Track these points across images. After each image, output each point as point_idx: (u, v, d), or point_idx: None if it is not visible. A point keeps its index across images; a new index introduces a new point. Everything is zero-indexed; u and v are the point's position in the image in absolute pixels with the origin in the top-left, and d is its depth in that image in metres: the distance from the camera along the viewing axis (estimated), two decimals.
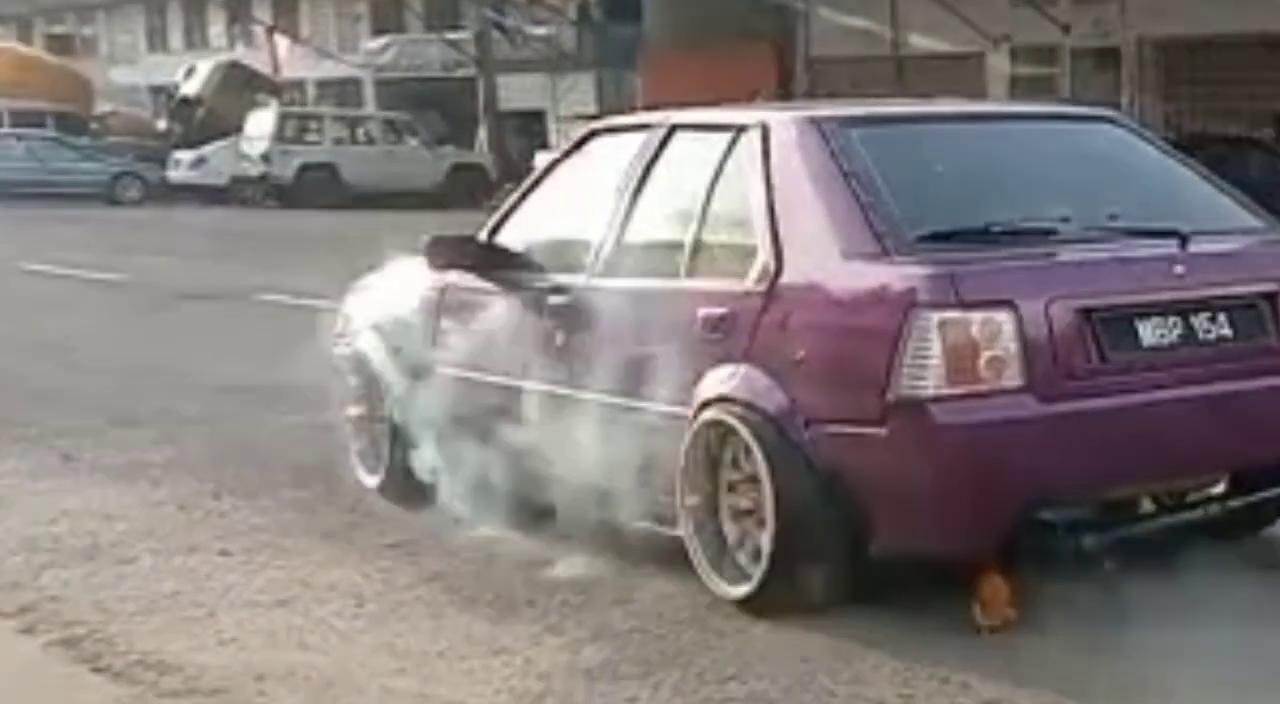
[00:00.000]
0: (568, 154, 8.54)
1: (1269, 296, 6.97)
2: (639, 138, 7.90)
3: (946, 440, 6.27)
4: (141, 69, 63.45)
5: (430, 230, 8.71)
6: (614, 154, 8.01)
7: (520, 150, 44.39)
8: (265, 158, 42.78)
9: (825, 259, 6.74)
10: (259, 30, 56.76)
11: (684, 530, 6.95)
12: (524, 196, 8.53)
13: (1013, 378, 6.35)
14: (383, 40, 55.97)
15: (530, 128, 48.00)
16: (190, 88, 49.43)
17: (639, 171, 7.72)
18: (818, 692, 5.66)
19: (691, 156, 7.54)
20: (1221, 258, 7.09)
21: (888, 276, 6.50)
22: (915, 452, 6.32)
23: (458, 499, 8.02)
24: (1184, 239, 6.86)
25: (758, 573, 6.62)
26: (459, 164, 44.99)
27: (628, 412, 7.20)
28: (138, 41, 67.55)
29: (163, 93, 55.15)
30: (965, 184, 7.13)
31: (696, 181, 7.38)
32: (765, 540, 6.60)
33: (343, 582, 7.21)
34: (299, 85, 56.31)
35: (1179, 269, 6.77)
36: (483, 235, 8.47)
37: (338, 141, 44.41)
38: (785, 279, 6.78)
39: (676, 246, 7.33)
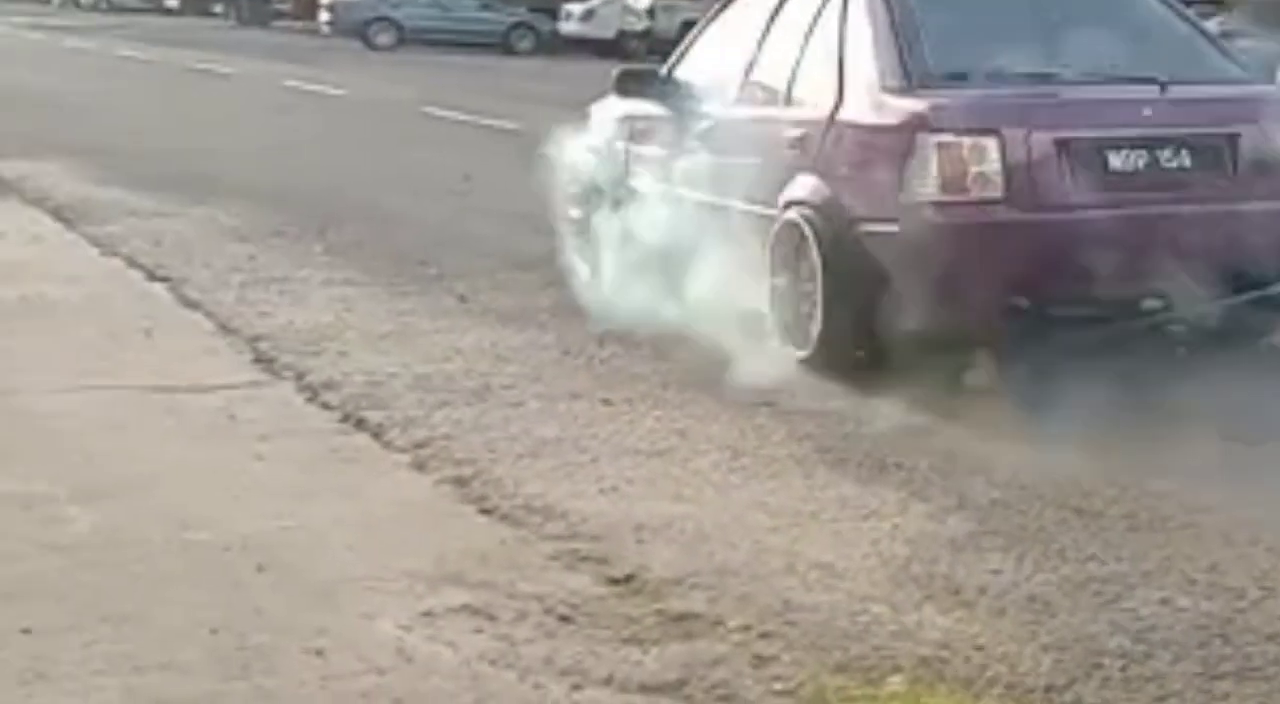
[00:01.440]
0: (719, 12, 10.26)
1: (1230, 137, 8.35)
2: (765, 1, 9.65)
3: (938, 236, 7.87)
4: None
5: None
6: (749, 12, 9.78)
7: None
8: (650, 13, 42.82)
9: (869, 93, 8.47)
10: None
11: (768, 306, 8.68)
12: (691, 44, 10.37)
13: (994, 191, 7.92)
14: None
15: None
16: None
17: (762, 26, 9.50)
18: (1177, 578, 5.53)
19: (798, 15, 9.26)
20: (1191, 103, 8.46)
21: (904, 106, 8.22)
22: (916, 244, 7.91)
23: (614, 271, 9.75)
24: (1163, 86, 8.32)
25: (814, 341, 8.32)
26: None
27: (745, 215, 8.96)
28: None
29: None
30: (991, 37, 8.58)
31: (798, 34, 9.13)
32: (819, 314, 8.32)
33: (719, 435, 7.23)
34: None
35: (1147, 111, 8.24)
36: (663, 71, 10.31)
37: None
38: (843, 108, 8.52)
39: (781, 83, 9.15)
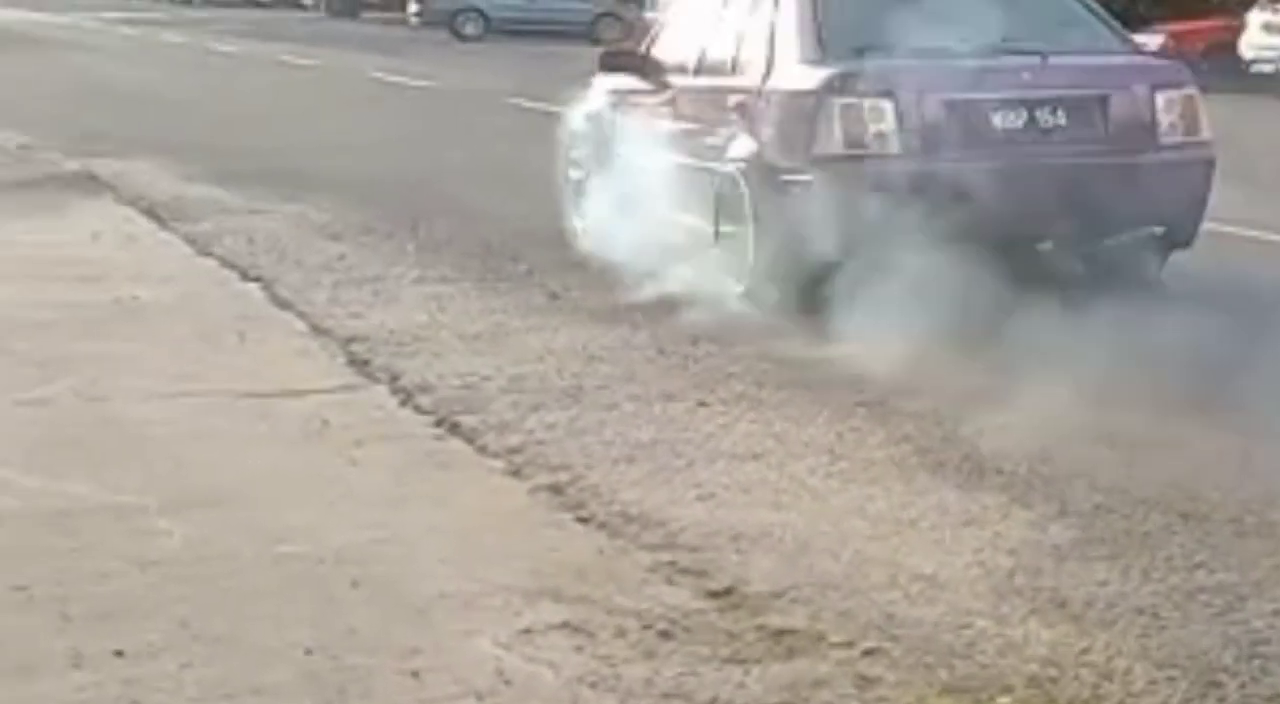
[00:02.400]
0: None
1: (1101, 99, 9.72)
2: None
3: (841, 184, 9.11)
4: None
5: None
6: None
7: None
8: None
9: (791, 64, 9.85)
10: None
11: (717, 247, 10.11)
12: (663, 26, 11.92)
13: (891, 146, 9.30)
14: None
15: None
16: None
17: (717, 9, 10.94)
18: None
19: (741, 2, 10.65)
20: (1066, 70, 9.82)
21: (816, 74, 9.61)
22: (825, 191, 9.14)
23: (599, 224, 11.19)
24: (1043, 56, 9.68)
25: (748, 275, 9.72)
26: None
27: (699, 171, 10.33)
28: None
29: None
30: (900, 20, 9.41)
31: (742, 17, 10.55)
32: (750, 253, 9.71)
33: (816, 438, 7.05)
34: None
35: (1026, 76, 9.58)
36: (641, 50, 11.75)
37: None
38: (770, 78, 9.91)
39: (727, 59, 10.54)
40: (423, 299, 9.92)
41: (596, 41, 42.79)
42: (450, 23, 45.03)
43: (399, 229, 12.44)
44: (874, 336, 8.25)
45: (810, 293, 9.18)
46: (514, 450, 6.84)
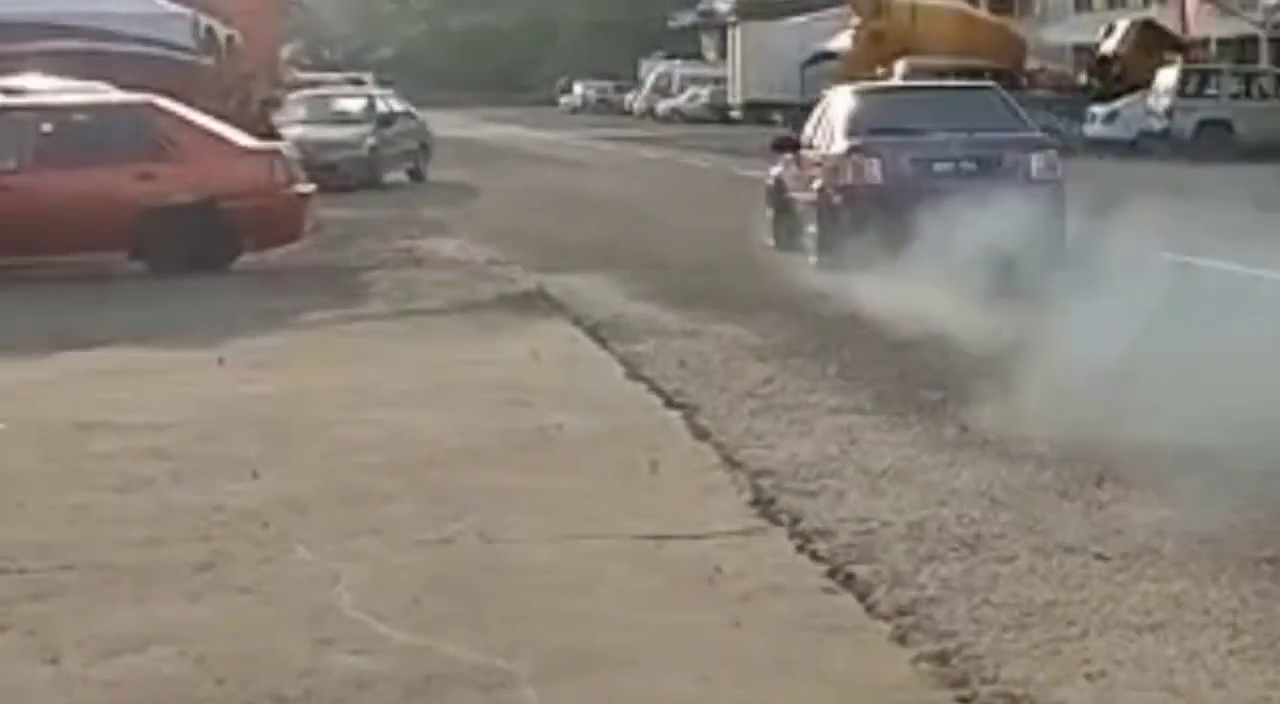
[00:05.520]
0: (823, 106, 19.20)
1: (998, 156, 17.13)
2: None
3: (848, 199, 16.78)
4: (1068, 27, 61.96)
5: None
6: (823, 104, 19.15)
7: None
8: (1169, 113, 40.95)
9: (838, 140, 17.45)
10: None
11: (813, 240, 17.58)
12: (811, 122, 19.04)
13: (878, 179, 16.76)
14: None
15: None
16: (1108, 45, 47.86)
17: (816, 113, 19.05)
18: None
19: (826, 106, 18.85)
20: (980, 141, 17.08)
21: (844, 145, 17.17)
22: (841, 202, 16.80)
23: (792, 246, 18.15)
24: (969, 133, 17.12)
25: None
26: None
27: (807, 200, 17.86)
28: (1066, 1, 66.02)
29: (1084, 50, 53.68)
30: (896, 116, 18.06)
31: (822, 116, 18.59)
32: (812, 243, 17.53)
33: (1218, 603, 6.14)
34: (1203, 43, 53.78)
35: (954, 145, 16.99)
36: (796, 136, 19.40)
37: (1233, 97, 42.16)
38: (829, 148, 17.59)
39: (818, 138, 18.18)
40: (835, 430, 9.23)
41: None
42: None
43: (825, 350, 11.81)
44: None
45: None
46: (903, 611, 6.10)
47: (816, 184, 17.33)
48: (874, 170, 16.79)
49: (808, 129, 18.84)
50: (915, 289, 13.16)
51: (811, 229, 17.36)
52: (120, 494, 7.86)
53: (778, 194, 18.93)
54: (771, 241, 18.74)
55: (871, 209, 16.17)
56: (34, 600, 6.27)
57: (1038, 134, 18.31)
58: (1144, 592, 6.32)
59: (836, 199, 16.90)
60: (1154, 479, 7.86)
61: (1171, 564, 6.64)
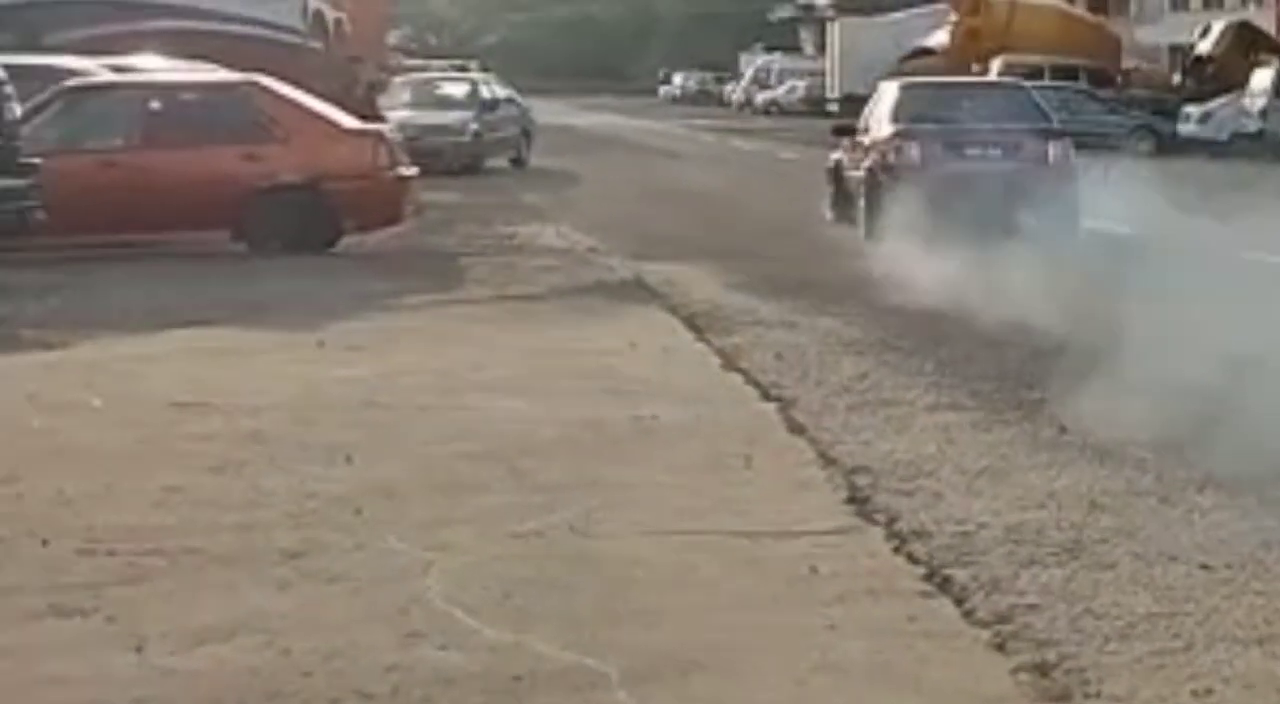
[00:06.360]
0: (877, 97, 21.28)
1: (1018, 144, 19.41)
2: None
3: (893, 175, 19.01)
4: (1164, 27, 61.17)
5: None
6: (876, 96, 21.20)
7: None
8: (1263, 114, 40.18)
9: (884, 127, 19.80)
10: None
11: (861, 214, 19.69)
12: (866, 112, 21.25)
13: (917, 160, 19.06)
14: None
15: None
16: (1203, 46, 47.14)
17: (870, 105, 21.12)
18: None
19: (879, 96, 20.96)
20: (1004, 130, 19.66)
21: (890, 131, 19.62)
22: (885, 180, 19.00)
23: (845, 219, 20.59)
24: (995, 122, 19.81)
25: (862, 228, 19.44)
26: None
27: (857, 176, 20.21)
28: (1162, 1, 65.18)
29: (1179, 50, 52.91)
30: (934, 106, 20.48)
31: (872, 108, 20.91)
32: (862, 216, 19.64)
33: None
34: None
35: (983, 132, 19.61)
36: (855, 123, 21.47)
37: None
38: (878, 133, 19.90)
39: (869, 124, 20.45)
40: (933, 428, 8.97)
41: (1131, 153, 41.16)
42: None
43: (923, 346, 11.52)
44: None
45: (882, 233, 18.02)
46: (1002, 618, 5.83)
47: (866, 164, 19.61)
48: (913, 152, 19.15)
49: (862, 118, 21.05)
50: (974, 269, 13.77)
51: (861, 203, 19.48)
52: (214, 477, 7.69)
53: (836, 174, 21.19)
54: (830, 215, 21.13)
55: (910, 186, 18.09)
56: (121, 585, 6.10)
57: (1054, 125, 20.38)
58: (1250, 604, 6.02)
59: (882, 177, 19.06)
60: (1256, 486, 7.55)
61: (1279, 576, 6.34)
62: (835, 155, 21.51)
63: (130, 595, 5.99)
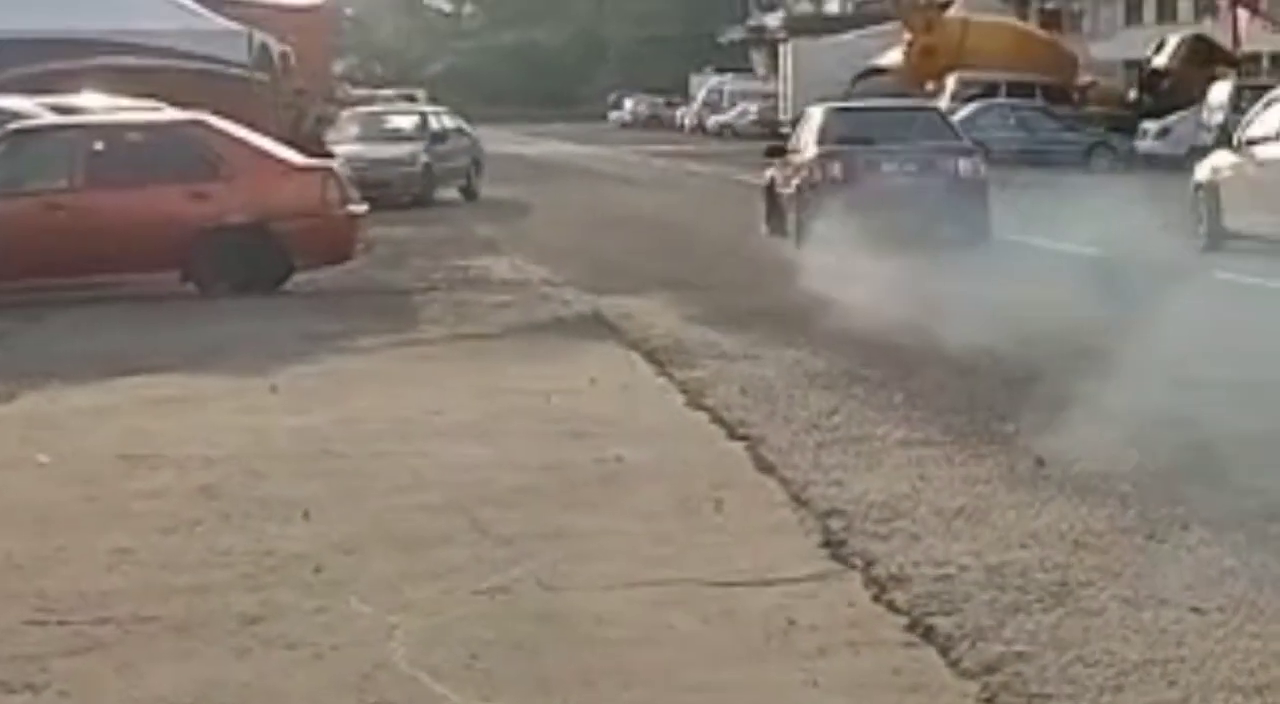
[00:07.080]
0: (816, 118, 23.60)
1: (931, 160, 21.99)
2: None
3: (819, 191, 21.18)
4: (1118, 42, 61.34)
5: None
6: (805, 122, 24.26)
7: None
8: (1222, 128, 40.19)
9: (811, 148, 22.09)
10: (1224, 4, 53.71)
11: (791, 224, 22.18)
12: (797, 130, 24.24)
13: (839, 176, 21.34)
14: None
15: None
16: (1159, 60, 47.28)
17: (799, 128, 23.84)
18: None
19: (804, 121, 23.98)
20: (919, 148, 21.89)
21: (815, 151, 21.90)
22: (812, 195, 21.22)
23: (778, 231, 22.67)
24: (910, 142, 22.06)
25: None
26: None
27: (790, 193, 22.46)
28: (1116, 16, 65.43)
29: (1135, 65, 53.02)
30: (857, 128, 22.66)
31: (800, 132, 23.52)
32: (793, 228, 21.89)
33: None
34: (1255, 58, 53.09)
35: (899, 151, 21.92)
36: (781, 145, 24.71)
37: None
38: (805, 153, 22.13)
39: (799, 145, 23.00)
40: (905, 465, 8.80)
41: (1088, 170, 41.24)
42: None
43: (891, 378, 11.32)
44: None
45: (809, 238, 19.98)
46: (990, 669, 5.67)
47: (796, 181, 21.86)
48: (836, 170, 21.42)
49: (792, 139, 23.75)
50: (910, 277, 15.60)
51: (792, 216, 21.72)
52: (165, 536, 7.48)
53: (770, 191, 23.26)
54: (764, 229, 23.09)
55: (835, 200, 20.13)
56: (70, 656, 5.89)
57: (966, 143, 23.00)
58: (1245, 649, 5.88)
59: (809, 193, 21.29)
60: (1241, 521, 7.42)
61: (1270, 619, 6.18)
62: (769, 173, 23.48)
63: (81, 667, 5.79)
